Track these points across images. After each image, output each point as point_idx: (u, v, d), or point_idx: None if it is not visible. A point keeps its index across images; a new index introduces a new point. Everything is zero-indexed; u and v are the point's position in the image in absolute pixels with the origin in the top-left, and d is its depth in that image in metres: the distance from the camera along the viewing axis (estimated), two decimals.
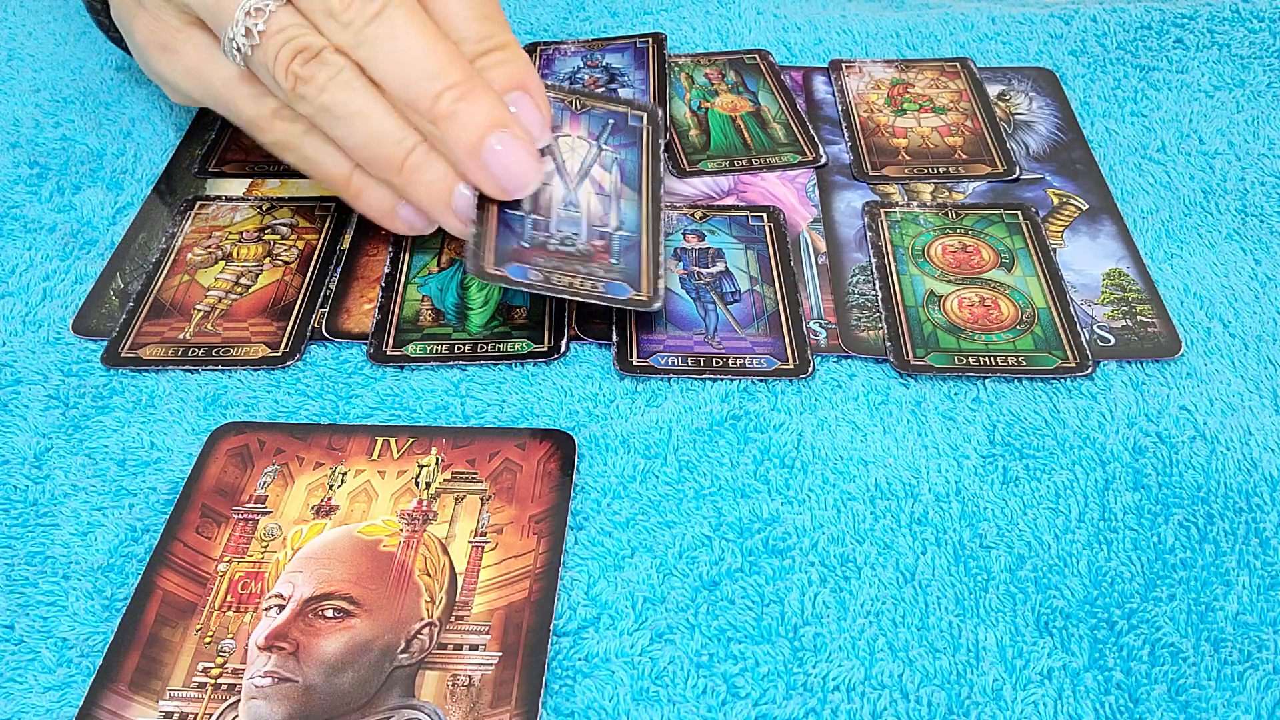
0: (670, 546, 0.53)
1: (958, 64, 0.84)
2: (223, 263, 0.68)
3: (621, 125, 0.69)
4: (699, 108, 0.80)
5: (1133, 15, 0.87)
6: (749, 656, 0.48)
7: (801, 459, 0.56)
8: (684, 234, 0.69)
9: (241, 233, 0.70)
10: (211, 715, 0.46)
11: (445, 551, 0.52)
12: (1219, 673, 0.48)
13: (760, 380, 0.60)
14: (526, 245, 0.62)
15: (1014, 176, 0.74)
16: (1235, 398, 0.59)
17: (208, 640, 0.49)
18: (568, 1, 0.92)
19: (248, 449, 0.57)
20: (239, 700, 0.46)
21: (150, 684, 0.47)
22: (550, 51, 0.85)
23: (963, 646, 0.49)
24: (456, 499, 0.54)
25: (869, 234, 0.69)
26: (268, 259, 0.68)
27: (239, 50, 0.58)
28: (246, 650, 0.48)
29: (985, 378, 0.60)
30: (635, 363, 0.61)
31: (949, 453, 0.57)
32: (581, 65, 0.83)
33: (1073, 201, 0.72)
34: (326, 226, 0.70)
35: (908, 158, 0.75)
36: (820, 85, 0.83)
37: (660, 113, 0.71)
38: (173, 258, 0.68)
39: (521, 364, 0.61)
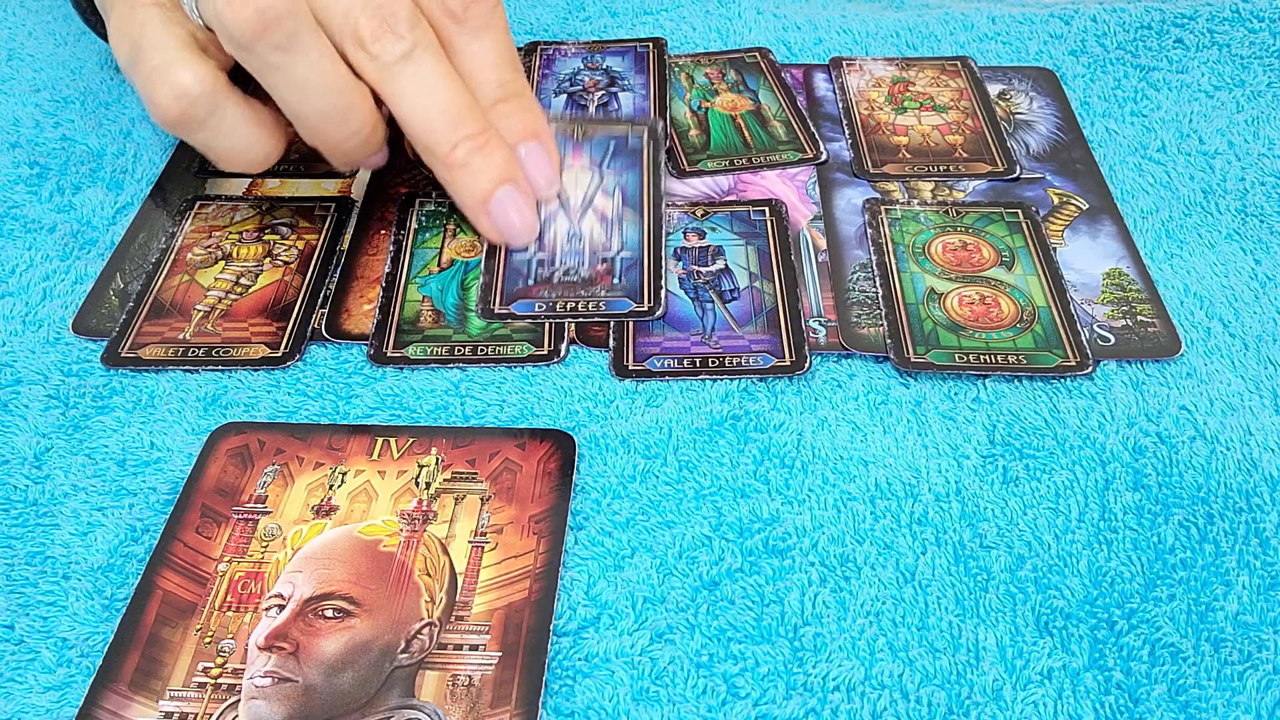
0: (670, 546, 0.53)
1: (958, 63, 0.84)
2: (222, 263, 0.68)
3: (622, 148, 0.71)
4: (699, 107, 0.80)
5: (1133, 15, 0.87)
6: (749, 656, 0.48)
7: (801, 459, 0.56)
8: (684, 233, 0.69)
9: (241, 233, 0.70)
10: (211, 715, 0.46)
11: (445, 551, 0.52)
12: (1219, 673, 0.48)
13: (760, 380, 0.60)
14: (533, 284, 0.64)
15: (1014, 175, 0.74)
16: (1235, 398, 0.59)
17: (208, 640, 0.49)
18: (568, 2, 0.91)
19: (248, 449, 0.57)
20: (239, 700, 0.46)
21: (150, 684, 0.47)
22: (550, 52, 0.85)
23: (963, 646, 0.49)
24: (456, 499, 0.54)
25: (869, 231, 0.69)
26: (268, 259, 0.68)
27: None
28: (246, 650, 0.48)
29: (985, 377, 0.60)
30: (631, 367, 0.61)
31: (949, 452, 0.57)
32: (581, 67, 0.83)
33: (1073, 201, 0.72)
34: (326, 226, 0.70)
35: (908, 156, 0.75)
36: (821, 83, 0.83)
37: (661, 124, 0.72)
38: (172, 258, 0.68)
39: (521, 365, 0.61)
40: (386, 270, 0.67)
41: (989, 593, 0.51)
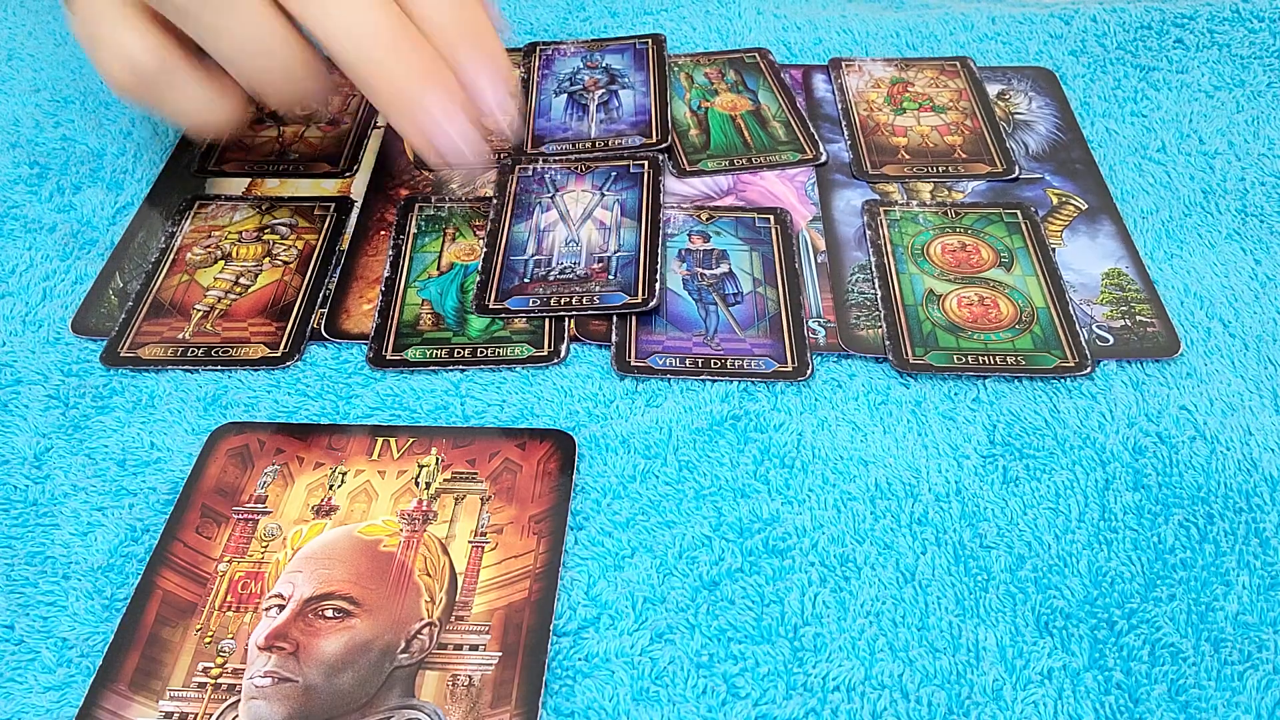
0: (670, 546, 0.53)
1: (958, 63, 0.84)
2: (222, 262, 0.68)
3: (624, 174, 0.72)
4: (699, 107, 0.80)
5: (1133, 15, 0.87)
6: (749, 656, 0.48)
7: (801, 459, 0.56)
8: (689, 235, 0.69)
9: (241, 232, 0.70)
10: (211, 715, 0.46)
11: (445, 551, 0.52)
12: (1219, 673, 0.48)
13: (760, 380, 0.60)
14: (528, 281, 0.65)
15: (1013, 176, 0.74)
16: (1235, 398, 0.59)
17: (208, 640, 0.49)
18: (568, 1, 0.91)
19: (248, 449, 0.57)
20: (239, 700, 0.46)
21: (150, 684, 0.47)
22: (550, 51, 0.85)
23: (963, 646, 0.49)
24: (456, 499, 0.54)
25: (868, 233, 0.69)
26: (267, 259, 0.68)
27: None
28: (246, 650, 0.48)
29: (985, 377, 0.60)
30: (633, 363, 0.61)
31: (949, 453, 0.57)
32: (581, 66, 0.83)
33: (1072, 201, 0.72)
34: (326, 226, 0.71)
35: (907, 156, 0.75)
36: (820, 83, 0.83)
37: (663, 157, 0.74)
38: (172, 257, 0.68)
39: (521, 366, 0.61)
40: (385, 274, 0.67)
41: (989, 593, 0.51)
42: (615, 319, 0.63)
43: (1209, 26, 0.86)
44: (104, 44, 0.59)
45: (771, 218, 0.70)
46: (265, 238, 0.70)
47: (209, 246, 0.69)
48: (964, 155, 0.76)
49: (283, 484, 0.55)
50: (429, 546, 0.52)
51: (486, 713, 0.46)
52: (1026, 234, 0.69)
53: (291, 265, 0.68)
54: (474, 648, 0.48)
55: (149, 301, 0.65)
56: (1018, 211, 0.71)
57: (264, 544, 0.52)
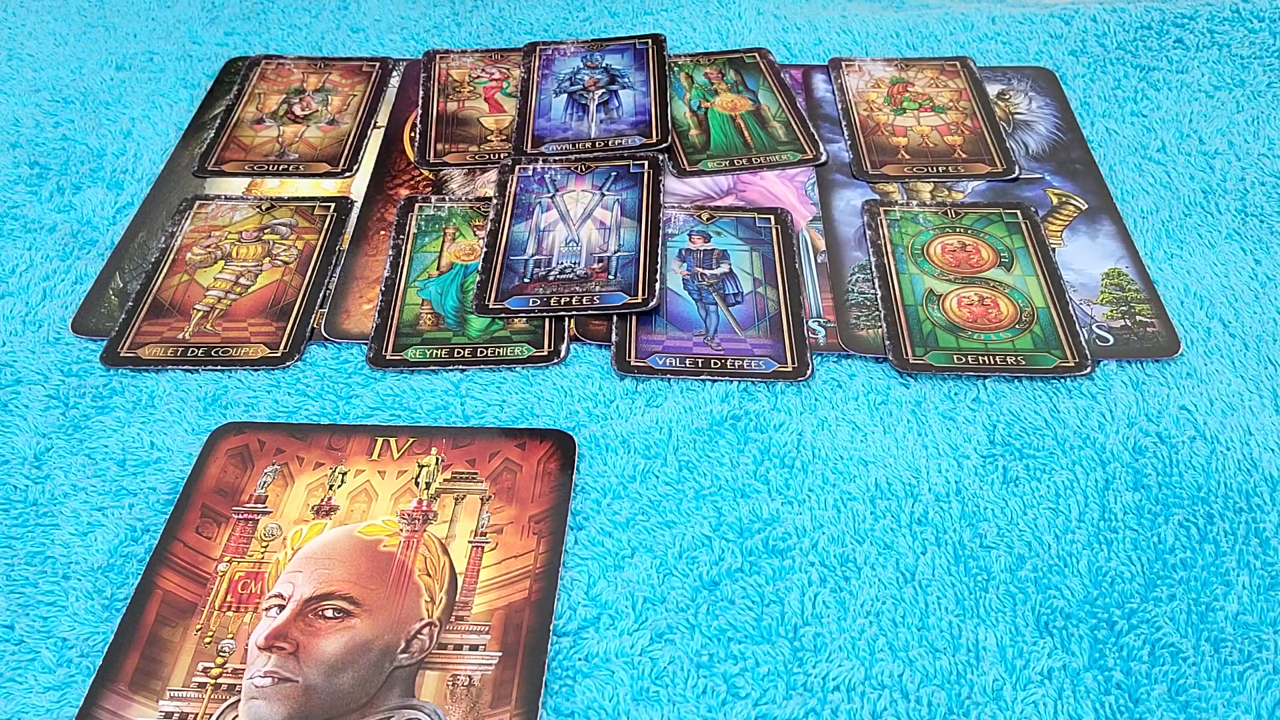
0: (670, 546, 0.53)
1: (957, 63, 0.84)
2: (222, 262, 0.68)
3: (624, 174, 0.72)
4: (699, 107, 0.80)
5: (1133, 15, 0.87)
6: (749, 656, 0.48)
7: (801, 459, 0.56)
8: (690, 235, 0.69)
9: (241, 232, 0.70)
10: (211, 715, 0.46)
11: (445, 551, 0.52)
12: (1219, 673, 0.48)
13: (760, 380, 0.60)
14: (528, 281, 0.65)
15: (1013, 176, 0.74)
16: (1235, 398, 0.59)
17: (208, 640, 0.49)
18: (568, 1, 0.91)
19: (248, 449, 0.57)
20: (239, 700, 0.46)
21: (150, 684, 0.47)
22: (550, 51, 0.85)
23: (963, 646, 0.49)
24: (456, 499, 0.54)
25: (868, 232, 0.69)
26: (267, 259, 0.68)
27: None
28: (246, 650, 0.48)
29: (985, 377, 0.60)
30: (633, 363, 0.61)
31: (949, 453, 0.57)
32: (581, 66, 0.83)
33: (1072, 201, 0.72)
34: (326, 226, 0.70)
35: (907, 156, 0.75)
36: (820, 83, 0.83)
37: (663, 157, 0.74)
38: (172, 257, 0.68)
39: (521, 366, 0.61)
40: (386, 274, 0.67)
41: (989, 593, 0.51)
42: (615, 319, 0.63)
43: (1209, 26, 0.86)
44: None
45: (772, 218, 0.70)
46: (265, 238, 0.70)
47: (209, 246, 0.69)
48: (964, 155, 0.76)
49: (283, 484, 0.55)
50: (429, 546, 0.52)
51: (486, 713, 0.46)
52: (1026, 234, 0.69)
53: (291, 265, 0.68)
54: (474, 648, 0.48)
55: (149, 301, 0.65)
56: (1018, 211, 0.71)
57: (264, 544, 0.52)
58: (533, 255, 0.67)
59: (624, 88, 0.81)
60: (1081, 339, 0.62)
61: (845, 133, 0.78)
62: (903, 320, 0.63)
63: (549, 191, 0.72)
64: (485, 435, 0.57)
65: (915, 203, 0.72)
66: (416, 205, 0.72)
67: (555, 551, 0.52)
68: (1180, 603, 0.50)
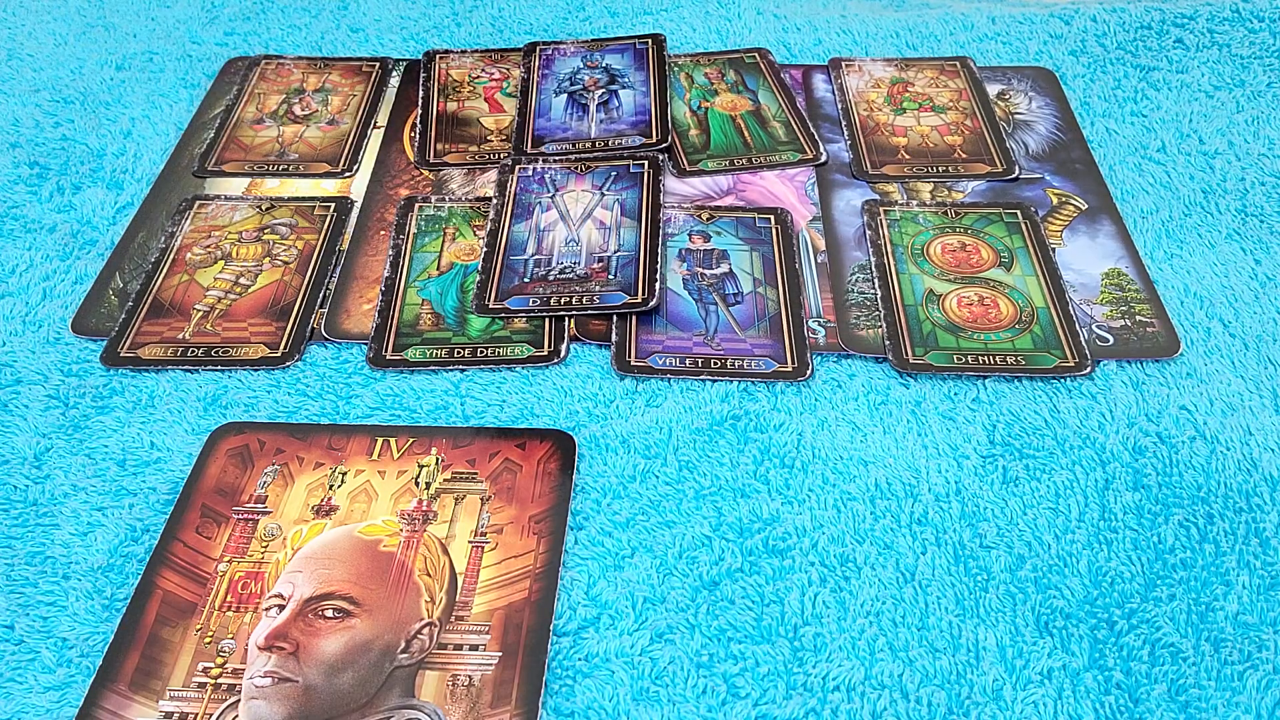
0: (670, 546, 0.53)
1: (957, 63, 0.84)
2: (222, 262, 0.68)
3: (624, 173, 0.72)
4: (699, 107, 0.80)
5: (1133, 15, 0.87)
6: (749, 656, 0.48)
7: (801, 459, 0.56)
8: (690, 235, 0.69)
9: (241, 232, 0.70)
10: (211, 715, 0.46)
11: (445, 551, 0.52)
12: (1219, 673, 0.48)
13: (760, 380, 0.60)
14: (528, 281, 0.65)
15: (1013, 176, 0.74)
16: (1235, 398, 0.59)
17: (208, 640, 0.49)
18: (568, 1, 0.91)
19: (248, 449, 0.57)
20: (239, 700, 0.46)
21: (150, 684, 0.47)
22: (550, 51, 0.85)
23: (963, 646, 0.49)
24: (456, 499, 0.54)
25: (868, 232, 0.69)
26: (267, 259, 0.68)
27: None
28: (246, 650, 0.48)
29: (985, 377, 0.60)
30: (633, 363, 0.61)
31: (949, 453, 0.57)
32: (581, 66, 0.83)
33: (1072, 201, 0.72)
34: (326, 226, 0.70)
35: (907, 156, 0.75)
36: (820, 83, 0.83)
37: (663, 157, 0.74)
38: (172, 257, 0.68)
39: (521, 366, 0.61)
40: (386, 274, 0.67)
41: (989, 593, 0.51)
42: (615, 319, 0.63)
43: (1209, 26, 0.86)
44: None
45: (772, 218, 0.70)
46: (265, 238, 0.70)
47: (209, 246, 0.69)
48: (964, 155, 0.76)
49: (283, 484, 0.55)
50: (429, 546, 0.52)
51: (486, 713, 0.46)
52: (1026, 234, 0.69)
53: (291, 265, 0.68)
54: (474, 648, 0.48)
55: (149, 301, 0.65)
56: (1018, 211, 0.71)
57: (264, 544, 0.52)
58: (533, 255, 0.67)
59: (624, 88, 0.81)
60: (1081, 339, 0.62)
61: (845, 133, 0.78)
62: (903, 320, 0.63)
63: (549, 191, 0.72)
64: (485, 435, 0.57)
65: (915, 203, 0.72)
66: (416, 205, 0.72)
67: (555, 551, 0.52)
68: (1180, 603, 0.50)
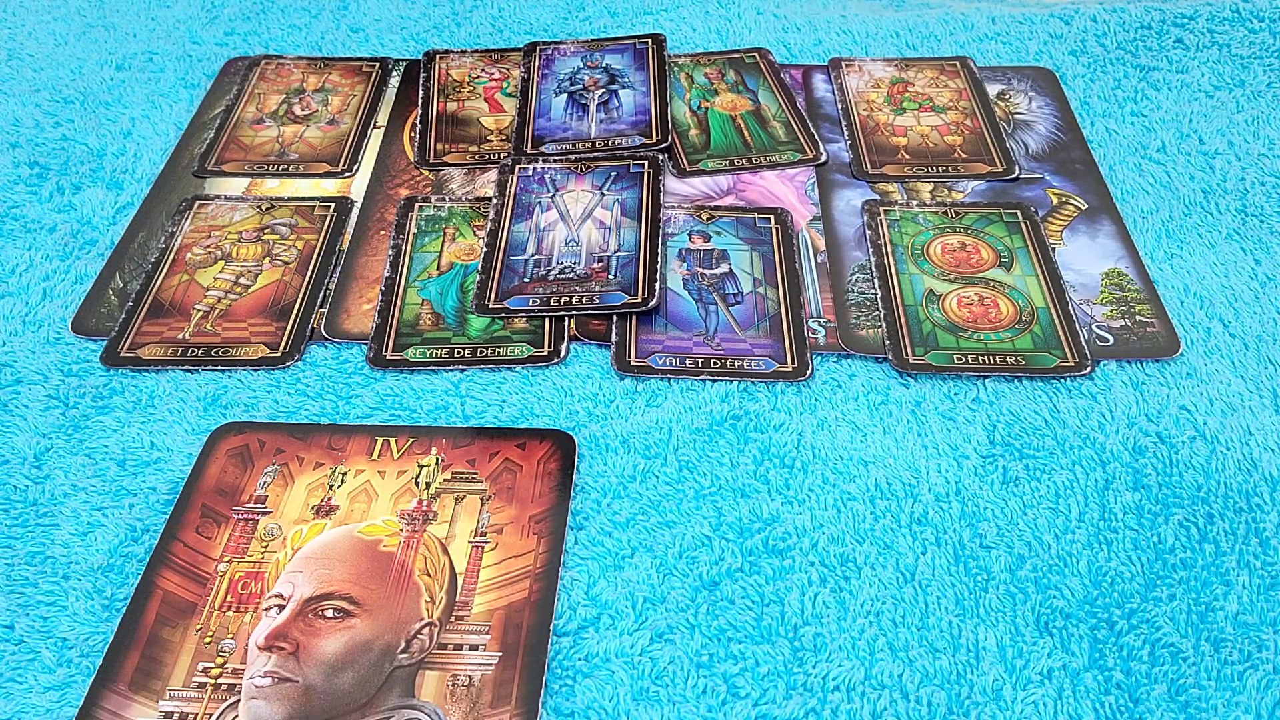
0: (670, 546, 0.53)
1: (957, 63, 0.84)
2: (222, 262, 0.68)
3: (624, 173, 0.72)
4: (699, 107, 0.80)
5: (1133, 15, 0.87)
6: (749, 656, 0.48)
7: (801, 459, 0.56)
8: (690, 235, 0.69)
9: (241, 232, 0.70)
10: (211, 715, 0.46)
11: (445, 551, 0.52)
12: (1219, 673, 0.48)
13: (760, 380, 0.60)
14: (528, 281, 0.65)
15: (1013, 176, 0.74)
16: (1235, 398, 0.59)
17: (208, 640, 0.49)
18: (568, 1, 0.91)
19: (248, 449, 0.57)
20: (239, 700, 0.46)
21: (150, 684, 0.47)
22: (550, 51, 0.85)
23: (963, 646, 0.49)
24: (456, 499, 0.54)
25: (868, 232, 0.69)
26: (267, 259, 0.68)
27: None
28: (246, 650, 0.48)
29: (985, 377, 0.60)
30: (633, 363, 0.61)
31: (949, 453, 0.57)
32: (581, 66, 0.83)
33: (1072, 201, 0.72)
34: (326, 226, 0.70)
35: (907, 156, 0.75)
36: (820, 83, 0.83)
37: (663, 157, 0.74)
38: (172, 257, 0.68)
39: (521, 366, 0.61)
40: (386, 274, 0.67)
41: (989, 593, 0.51)
42: (615, 319, 0.63)
43: (1209, 26, 0.86)
44: None
45: (772, 218, 0.70)
46: (265, 238, 0.70)
47: (209, 246, 0.69)
48: (964, 155, 0.76)
49: (283, 484, 0.55)
50: (429, 546, 0.52)
51: (486, 713, 0.46)
52: (1026, 234, 0.69)
53: (291, 265, 0.68)
54: (474, 648, 0.48)
55: (149, 301, 0.65)
56: (1018, 211, 0.71)
57: (264, 544, 0.52)
58: (533, 255, 0.67)
59: (624, 88, 0.81)
60: (1081, 339, 0.62)
61: (845, 133, 0.78)
62: (903, 320, 0.63)
63: (549, 191, 0.72)
64: (485, 435, 0.57)
65: (915, 203, 0.72)
66: (416, 205, 0.72)
67: (555, 551, 0.52)
68: (1180, 603, 0.50)
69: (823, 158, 0.75)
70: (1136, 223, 0.70)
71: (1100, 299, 0.65)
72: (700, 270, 0.67)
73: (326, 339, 0.63)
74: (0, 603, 0.51)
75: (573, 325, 0.63)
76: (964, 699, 0.47)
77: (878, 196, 0.72)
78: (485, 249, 0.67)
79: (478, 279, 0.66)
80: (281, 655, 0.48)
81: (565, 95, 0.80)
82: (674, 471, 0.56)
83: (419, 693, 0.46)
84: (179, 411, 0.59)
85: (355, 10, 0.91)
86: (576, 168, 0.73)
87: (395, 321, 0.64)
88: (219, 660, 0.48)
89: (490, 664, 0.47)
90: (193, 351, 0.62)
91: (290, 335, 0.63)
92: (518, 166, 0.74)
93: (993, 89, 0.82)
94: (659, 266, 0.65)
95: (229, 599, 0.50)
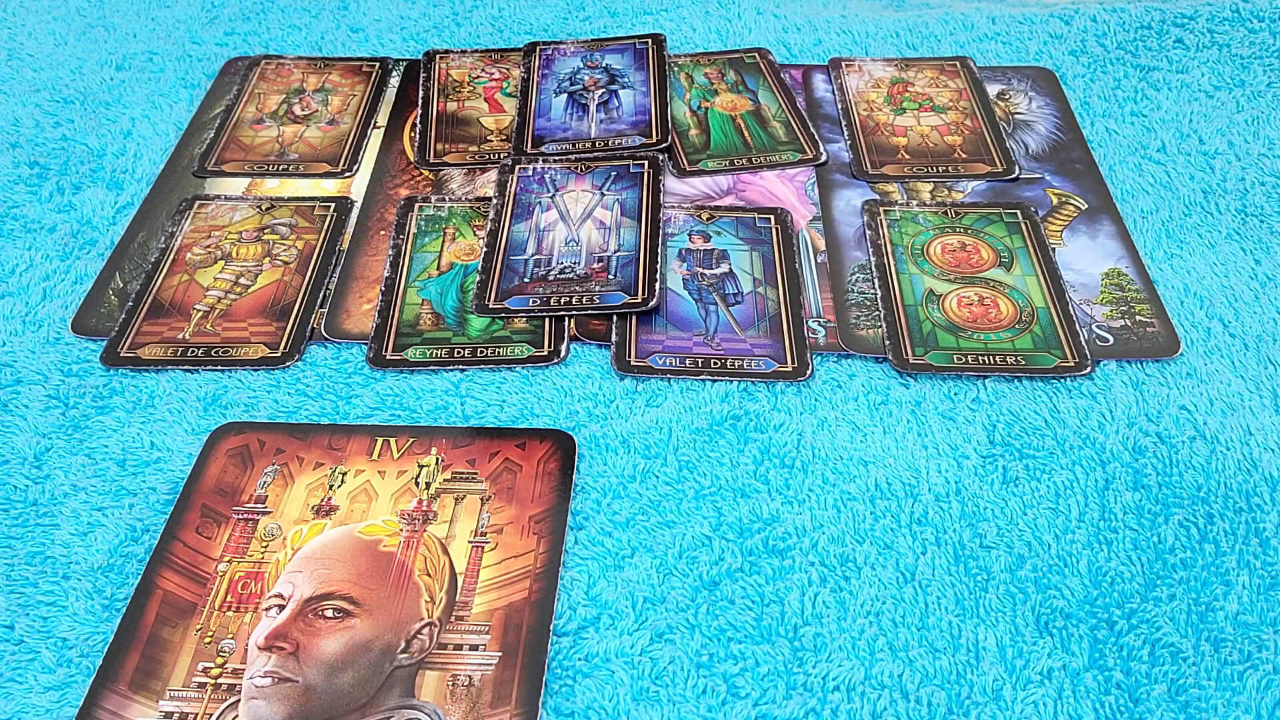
0: (670, 546, 0.53)
1: (957, 63, 0.84)
2: (222, 262, 0.68)
3: (624, 173, 0.72)
4: (699, 107, 0.80)
5: (1133, 15, 0.87)
6: (749, 656, 0.48)
7: (801, 459, 0.56)
8: (690, 235, 0.69)
9: (241, 232, 0.70)
10: (211, 715, 0.46)
11: (445, 551, 0.52)
12: (1219, 673, 0.48)
13: (760, 380, 0.60)
14: (528, 281, 0.65)
15: (1013, 176, 0.74)
16: (1235, 398, 0.59)
17: (208, 640, 0.49)
18: (568, 1, 0.91)
19: (248, 449, 0.57)
20: (239, 700, 0.46)
21: (150, 684, 0.47)
22: (550, 51, 0.85)
23: (963, 646, 0.49)
24: (456, 499, 0.54)
25: (868, 232, 0.69)
26: (267, 259, 0.68)
27: None
28: (246, 650, 0.48)
29: (985, 377, 0.60)
30: (633, 363, 0.61)
31: (949, 453, 0.57)
32: (581, 66, 0.83)
33: (1072, 201, 0.72)
34: (326, 226, 0.70)
35: (907, 156, 0.75)
36: (820, 83, 0.83)
37: (662, 156, 0.74)
38: (172, 257, 0.68)
39: (521, 366, 0.61)
40: (386, 274, 0.67)
41: (989, 593, 0.51)
42: (615, 319, 0.63)
43: (1209, 26, 0.86)
44: None
45: (771, 218, 0.70)
46: (265, 238, 0.70)
47: (209, 246, 0.69)
48: (964, 155, 0.76)
49: (283, 484, 0.55)
50: (429, 546, 0.52)
51: (486, 713, 0.46)
52: (1026, 234, 0.69)
53: (291, 265, 0.68)
54: (474, 648, 0.48)
55: (149, 301, 0.65)
56: (1018, 211, 0.71)
57: (264, 544, 0.52)
58: (533, 255, 0.67)
59: (624, 88, 0.81)
60: (1081, 339, 0.62)
61: (845, 133, 0.78)
62: (903, 320, 0.63)
63: (549, 191, 0.72)
64: (485, 435, 0.57)
65: (915, 203, 0.72)
66: (416, 205, 0.72)
67: (555, 551, 0.52)
68: (1180, 603, 0.50)
69: (823, 158, 0.75)
70: (1136, 223, 0.70)
71: (1100, 299, 0.65)
72: (700, 270, 0.67)
73: (326, 339, 0.63)
74: (0, 603, 0.51)
75: (573, 325, 0.63)
76: (964, 699, 0.47)
77: (878, 196, 0.72)
78: (485, 249, 0.67)
79: (478, 279, 0.66)
80: (281, 655, 0.48)
81: (565, 95, 0.80)
82: (674, 471, 0.56)
83: (419, 693, 0.47)
84: (179, 411, 0.59)
85: (355, 10, 0.91)
86: (576, 168, 0.73)
87: (395, 321, 0.64)
88: (219, 660, 0.48)
89: (490, 664, 0.47)
90: (193, 351, 0.62)
91: (290, 335, 0.63)
92: (518, 166, 0.74)
93: (993, 89, 0.82)
94: (659, 266, 0.65)
95: (229, 599, 0.50)
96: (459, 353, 0.62)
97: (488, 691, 0.46)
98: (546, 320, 0.63)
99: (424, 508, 0.54)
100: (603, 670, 0.48)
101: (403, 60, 0.86)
